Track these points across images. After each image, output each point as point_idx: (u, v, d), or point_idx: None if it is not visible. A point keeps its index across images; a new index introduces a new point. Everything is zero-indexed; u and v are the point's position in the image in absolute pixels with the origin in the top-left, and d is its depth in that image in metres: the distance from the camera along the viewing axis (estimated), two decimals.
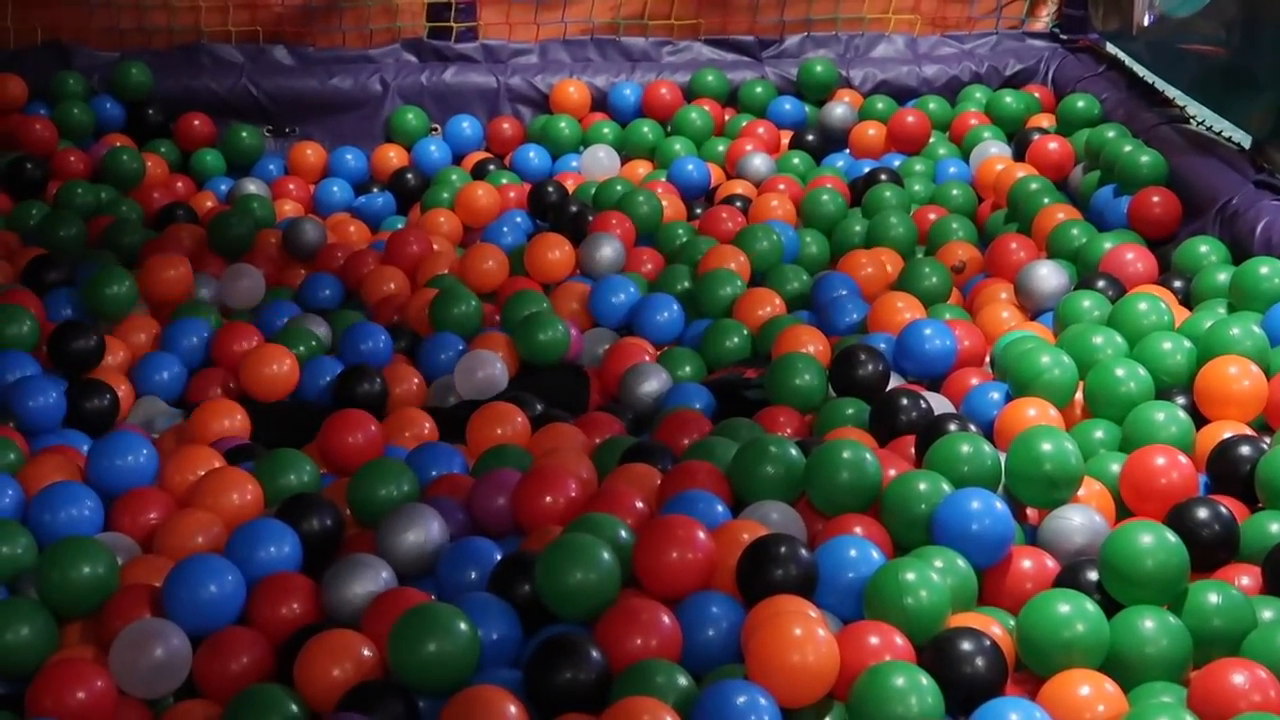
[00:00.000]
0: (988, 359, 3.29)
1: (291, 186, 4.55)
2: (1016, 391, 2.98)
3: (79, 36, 4.84)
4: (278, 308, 3.63)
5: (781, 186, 4.24)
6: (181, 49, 4.86)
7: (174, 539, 2.54)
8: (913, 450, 2.78)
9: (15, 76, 4.60)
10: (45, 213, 4.03)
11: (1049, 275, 3.48)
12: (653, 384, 3.24)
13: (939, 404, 3.00)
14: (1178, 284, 3.44)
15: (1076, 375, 3.00)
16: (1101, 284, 3.40)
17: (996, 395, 3.03)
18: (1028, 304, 3.46)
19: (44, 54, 4.78)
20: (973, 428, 2.78)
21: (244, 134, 4.67)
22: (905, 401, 2.90)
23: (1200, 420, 2.89)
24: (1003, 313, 3.45)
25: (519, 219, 4.21)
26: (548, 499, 2.58)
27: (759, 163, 4.41)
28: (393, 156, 4.67)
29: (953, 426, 2.75)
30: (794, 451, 2.63)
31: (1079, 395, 3.01)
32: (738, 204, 4.18)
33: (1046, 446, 2.60)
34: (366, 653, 2.23)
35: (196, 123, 4.68)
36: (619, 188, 4.23)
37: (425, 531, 2.51)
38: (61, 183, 4.26)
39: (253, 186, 4.47)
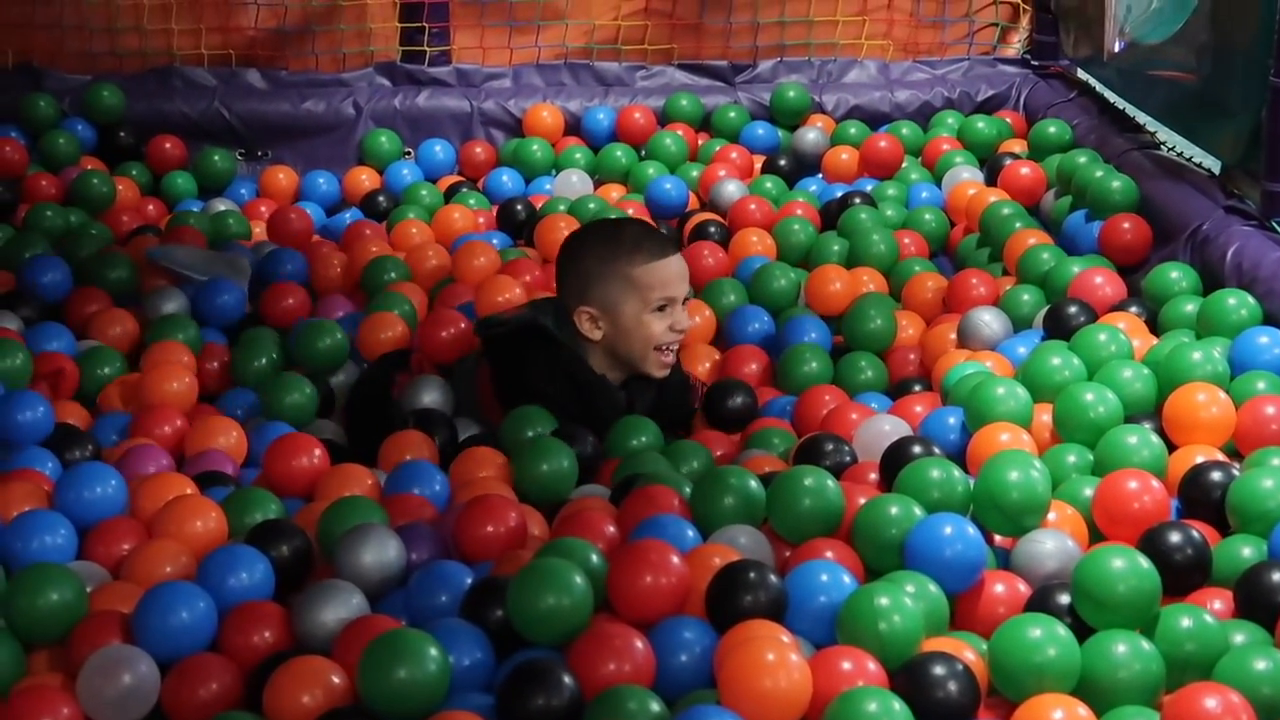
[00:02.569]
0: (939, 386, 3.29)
1: (263, 209, 4.54)
2: (973, 424, 2.98)
3: (51, 60, 4.83)
4: None
5: (753, 206, 4.25)
6: (153, 72, 4.85)
7: (142, 567, 2.52)
8: (873, 476, 2.78)
9: None
10: (9, 234, 4.00)
11: (991, 321, 3.48)
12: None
13: (897, 427, 2.99)
14: (1135, 309, 3.44)
15: (1031, 406, 3.00)
16: (1073, 309, 3.41)
17: (954, 420, 3.04)
18: (970, 348, 3.45)
19: (15, 77, 4.77)
20: (937, 450, 2.78)
21: (216, 157, 4.67)
22: (830, 446, 2.89)
23: (1168, 446, 2.89)
24: (950, 335, 3.49)
25: (495, 240, 4.21)
26: (489, 529, 2.57)
27: (732, 189, 4.42)
28: (365, 179, 4.67)
29: (917, 449, 2.76)
30: (754, 483, 2.63)
31: (1048, 418, 3.01)
32: (712, 229, 4.19)
33: (1013, 475, 2.60)
34: (336, 680, 2.21)
35: (168, 145, 4.67)
36: (592, 205, 4.23)
37: (383, 551, 2.50)
38: (31, 205, 4.23)
39: (223, 209, 4.46)
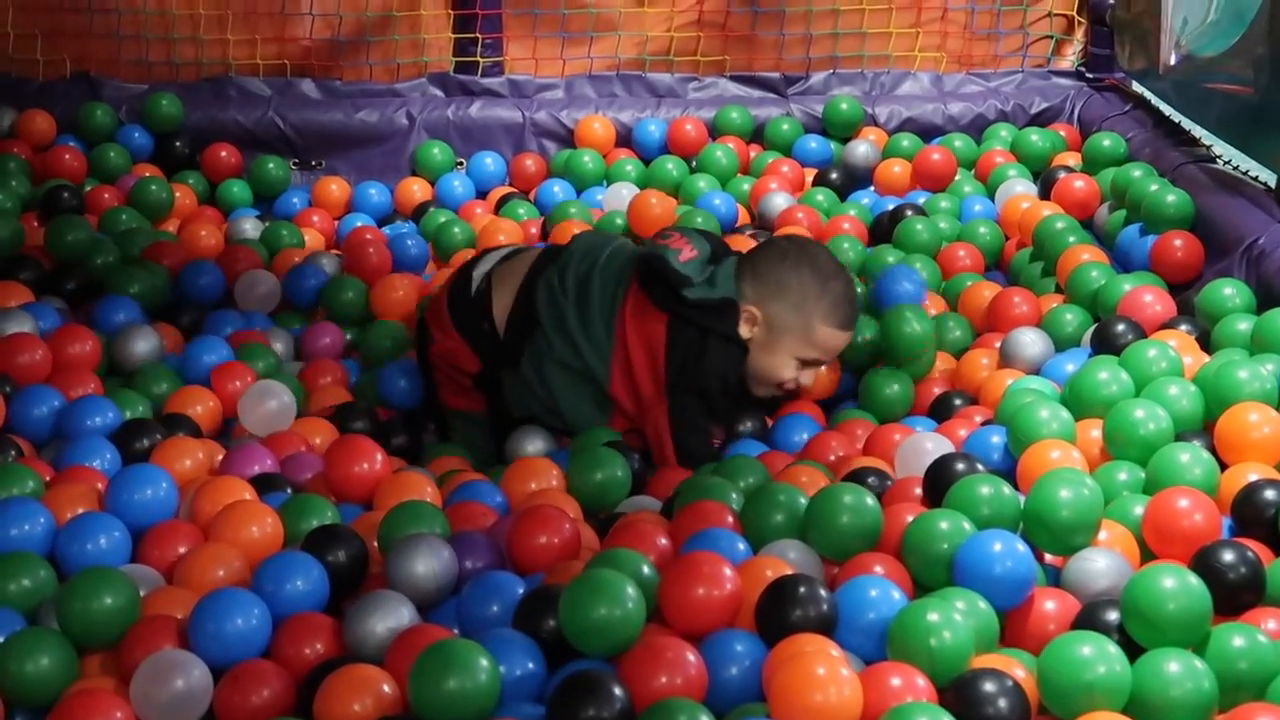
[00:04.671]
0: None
1: (315, 219, 4.57)
2: (1015, 447, 2.96)
3: (107, 69, 4.87)
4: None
5: (800, 216, 4.24)
6: (209, 81, 4.89)
7: (196, 571, 2.54)
8: (917, 490, 2.78)
9: (44, 112, 4.64)
10: (89, 236, 4.02)
11: (1034, 342, 3.47)
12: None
13: (939, 445, 2.98)
14: (1185, 327, 3.41)
15: (1074, 428, 2.98)
16: (1120, 327, 3.39)
17: (997, 439, 3.03)
18: (1013, 368, 3.44)
19: (73, 86, 4.81)
20: (980, 467, 2.77)
21: (271, 165, 4.70)
22: (872, 480, 2.88)
23: (1219, 466, 2.87)
24: (983, 359, 3.48)
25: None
26: (542, 539, 2.58)
27: (780, 200, 4.41)
28: (416, 190, 4.69)
29: (960, 466, 2.75)
30: (803, 500, 2.64)
31: (1097, 434, 2.99)
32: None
33: (1064, 494, 2.59)
34: (387, 688, 2.22)
35: (223, 154, 4.70)
36: None
37: (435, 560, 2.51)
38: (96, 216, 4.26)
39: (258, 226, 4.47)
